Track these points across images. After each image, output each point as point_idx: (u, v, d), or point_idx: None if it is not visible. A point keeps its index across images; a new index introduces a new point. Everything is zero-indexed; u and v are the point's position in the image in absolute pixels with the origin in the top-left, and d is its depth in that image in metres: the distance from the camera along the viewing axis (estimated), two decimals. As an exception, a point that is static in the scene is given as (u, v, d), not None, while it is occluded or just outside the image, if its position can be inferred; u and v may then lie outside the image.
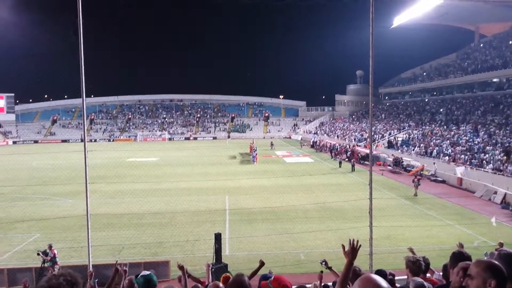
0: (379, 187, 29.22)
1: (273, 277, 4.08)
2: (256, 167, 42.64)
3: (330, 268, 7.41)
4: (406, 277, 7.28)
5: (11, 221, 21.80)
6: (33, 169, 41.71)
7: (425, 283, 5.38)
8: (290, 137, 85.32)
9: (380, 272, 6.36)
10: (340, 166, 41.59)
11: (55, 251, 14.27)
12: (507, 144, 32.57)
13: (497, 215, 19.77)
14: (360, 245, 3.79)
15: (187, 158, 50.76)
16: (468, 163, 32.59)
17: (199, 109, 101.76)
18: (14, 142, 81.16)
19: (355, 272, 5.40)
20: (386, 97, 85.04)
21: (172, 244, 17.85)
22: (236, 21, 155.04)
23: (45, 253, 14.19)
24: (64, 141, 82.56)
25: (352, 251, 3.77)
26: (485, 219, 20.24)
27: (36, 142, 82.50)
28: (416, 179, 28.26)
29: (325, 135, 73.87)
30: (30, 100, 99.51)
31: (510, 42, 55.70)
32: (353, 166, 39.65)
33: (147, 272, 5.03)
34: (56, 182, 32.56)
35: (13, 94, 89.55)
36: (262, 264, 6.49)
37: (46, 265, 13.96)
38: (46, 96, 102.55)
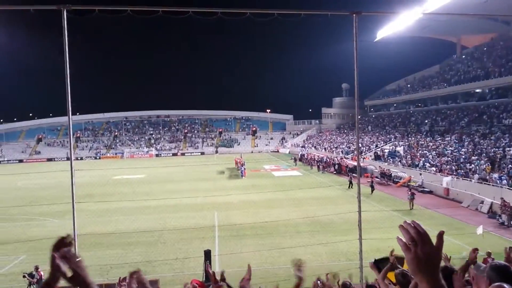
0: (368, 199, 29.40)
1: None
2: (244, 181, 42.56)
3: None
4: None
5: (-4, 243, 21.36)
6: (18, 189, 41.05)
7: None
8: (278, 151, 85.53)
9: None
10: (350, 187, 35.38)
11: (42, 273, 13.98)
12: (492, 154, 33.09)
13: (484, 224, 19.99)
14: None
15: (175, 174, 50.53)
16: (454, 173, 32.97)
17: (186, 125, 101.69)
18: (-1, 162, 79.90)
19: (346, 285, 5.39)
20: (372, 109, 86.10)
21: (161, 263, 17.65)
22: (222, 37, 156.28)
23: (31, 275, 13.91)
24: (49, 159, 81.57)
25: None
26: (473, 229, 20.41)
27: (21, 161, 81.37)
28: (410, 193, 27.92)
29: (313, 148, 74.21)
30: (15, 119, 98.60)
31: (491, 53, 57.03)
32: (351, 183, 35.68)
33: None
34: (42, 202, 32.04)
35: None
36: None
37: (32, 287, 13.67)
38: (30, 114, 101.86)
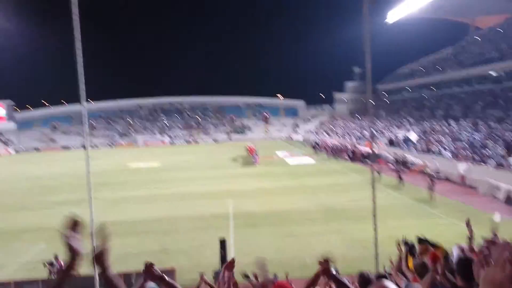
0: (382, 186, 29.20)
1: (276, 283, 4.05)
2: (258, 169, 42.61)
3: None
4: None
5: (16, 231, 21.81)
6: (35, 178, 41.68)
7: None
8: (291, 138, 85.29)
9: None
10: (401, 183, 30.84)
11: (62, 262, 14.24)
12: (511, 139, 32.49)
13: (501, 211, 19.77)
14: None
15: (188, 162, 50.83)
16: (469, 159, 32.52)
17: (199, 112, 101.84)
18: (16, 151, 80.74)
19: (364, 277, 5.34)
20: (384, 93, 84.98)
21: (177, 251, 17.86)
22: (232, 20, 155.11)
23: (51, 264, 14.19)
24: (64, 147, 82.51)
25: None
26: (489, 217, 20.21)
27: (37, 149, 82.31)
28: (429, 181, 26.23)
29: (326, 134, 73.84)
30: (29, 107, 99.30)
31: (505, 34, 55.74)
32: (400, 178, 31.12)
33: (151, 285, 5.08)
34: (59, 191, 32.57)
35: (12, 102, 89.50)
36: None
37: (52, 276, 13.95)
38: (43, 101, 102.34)
